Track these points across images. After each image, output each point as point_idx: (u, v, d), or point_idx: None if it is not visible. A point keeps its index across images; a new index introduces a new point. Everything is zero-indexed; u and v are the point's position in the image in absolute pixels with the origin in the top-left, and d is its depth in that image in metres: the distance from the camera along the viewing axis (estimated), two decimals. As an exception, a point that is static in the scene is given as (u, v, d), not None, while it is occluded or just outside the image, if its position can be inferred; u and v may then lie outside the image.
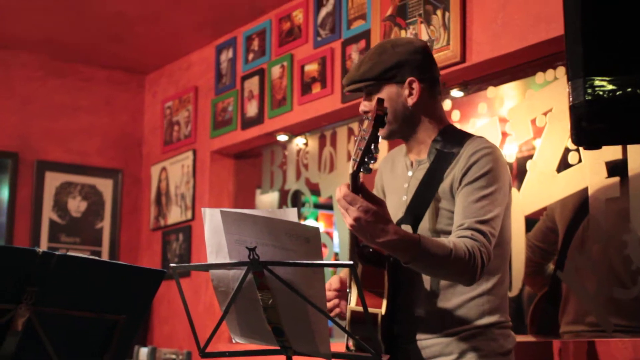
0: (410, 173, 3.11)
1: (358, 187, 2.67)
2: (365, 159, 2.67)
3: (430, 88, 3.06)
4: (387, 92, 3.02)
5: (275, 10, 5.86)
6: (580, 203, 3.95)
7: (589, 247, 3.93)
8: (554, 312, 4.13)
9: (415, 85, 3.01)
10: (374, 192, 3.24)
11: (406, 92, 3.02)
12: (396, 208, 3.07)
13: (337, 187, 2.68)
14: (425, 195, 2.98)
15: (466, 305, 2.93)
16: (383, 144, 4.90)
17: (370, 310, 2.81)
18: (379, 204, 2.69)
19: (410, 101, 3.02)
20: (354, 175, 2.67)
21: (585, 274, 3.93)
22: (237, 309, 2.56)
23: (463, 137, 3.05)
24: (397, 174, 3.19)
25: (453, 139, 3.05)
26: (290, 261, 2.36)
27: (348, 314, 2.86)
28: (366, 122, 2.69)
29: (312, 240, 2.33)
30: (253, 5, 5.89)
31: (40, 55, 6.92)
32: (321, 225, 8.74)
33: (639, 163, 3.65)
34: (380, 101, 2.69)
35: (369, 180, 3.25)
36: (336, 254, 6.41)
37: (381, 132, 3.01)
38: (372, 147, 2.67)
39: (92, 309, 2.44)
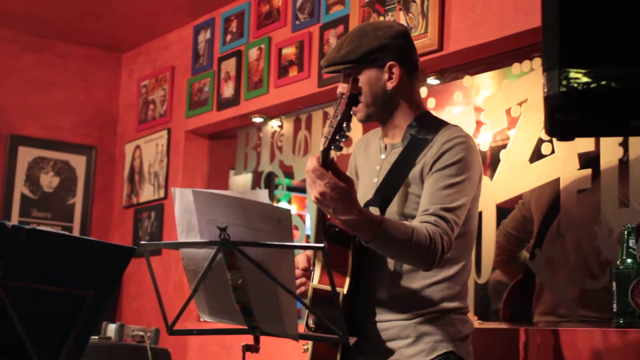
0: (383, 156, 3.12)
1: (328, 164, 2.68)
2: (337, 137, 2.69)
3: (409, 73, 3.08)
4: (367, 75, 3.02)
5: (254, -8, 5.85)
6: (556, 194, 3.97)
7: (560, 237, 3.96)
8: (527, 300, 4.16)
9: (396, 70, 3.02)
10: (347, 173, 3.25)
11: (386, 76, 3.02)
12: (367, 189, 3.09)
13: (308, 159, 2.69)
14: (395, 179, 2.99)
15: (427, 289, 2.95)
16: (357, 128, 4.91)
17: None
18: (347, 181, 2.69)
19: (390, 85, 3.03)
20: (324, 153, 2.69)
21: (555, 264, 3.96)
22: (206, 288, 2.57)
23: (438, 124, 3.06)
24: (371, 156, 3.20)
25: (428, 125, 3.05)
26: (261, 242, 2.37)
27: (310, 291, 2.88)
28: (340, 101, 2.70)
29: (283, 221, 2.34)
30: (232, -14, 5.88)
31: (16, 30, 6.86)
32: (294, 208, 8.76)
33: (611, 155, 3.68)
34: (355, 80, 2.70)
35: (344, 162, 3.26)
36: (307, 237, 6.42)
37: (358, 115, 3.03)
38: (344, 125, 2.69)
39: (60, 284, 2.43)
